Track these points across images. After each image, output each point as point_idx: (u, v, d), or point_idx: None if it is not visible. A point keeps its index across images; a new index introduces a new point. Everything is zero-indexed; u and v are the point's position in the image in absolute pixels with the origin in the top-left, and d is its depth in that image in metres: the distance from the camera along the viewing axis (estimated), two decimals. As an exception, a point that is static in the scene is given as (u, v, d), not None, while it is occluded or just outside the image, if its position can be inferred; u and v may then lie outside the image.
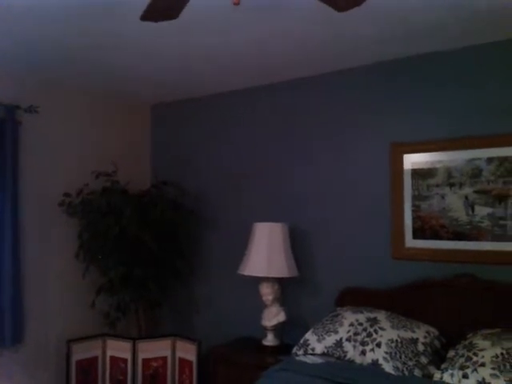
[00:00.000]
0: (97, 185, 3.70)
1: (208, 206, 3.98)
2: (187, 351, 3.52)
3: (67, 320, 3.68)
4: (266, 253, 3.19)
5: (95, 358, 3.64)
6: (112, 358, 3.64)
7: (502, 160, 2.79)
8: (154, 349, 3.60)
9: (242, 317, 3.67)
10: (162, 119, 4.37)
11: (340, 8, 1.91)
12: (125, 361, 3.58)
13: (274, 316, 3.23)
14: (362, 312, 2.83)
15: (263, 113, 3.76)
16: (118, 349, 3.62)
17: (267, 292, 3.22)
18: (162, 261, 3.70)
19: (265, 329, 3.27)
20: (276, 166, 3.67)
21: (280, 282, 3.29)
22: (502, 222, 2.78)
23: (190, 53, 3.07)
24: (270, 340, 3.25)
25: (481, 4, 2.40)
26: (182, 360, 3.58)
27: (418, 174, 3.07)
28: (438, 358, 2.57)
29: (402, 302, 2.96)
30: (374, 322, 2.72)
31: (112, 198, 3.59)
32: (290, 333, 3.30)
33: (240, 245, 3.48)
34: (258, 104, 3.79)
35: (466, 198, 2.89)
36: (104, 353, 3.65)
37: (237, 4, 1.88)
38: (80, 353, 3.57)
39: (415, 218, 3.06)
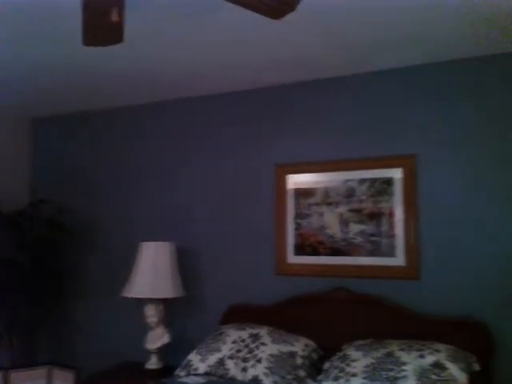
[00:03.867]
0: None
1: (93, 226, 3.82)
2: (65, 380, 3.32)
3: None
4: (151, 273, 3.12)
5: (-40, 393, 3.30)
6: (-20, 391, 3.32)
7: (373, 181, 3.02)
8: (28, 378, 3.35)
9: (126, 341, 3.54)
10: (44, 133, 4.15)
11: (276, 16, 1.83)
12: (-5, 394, 3.29)
13: (158, 338, 3.15)
14: (244, 329, 2.87)
15: (148, 131, 3.74)
16: (-13, 381, 3.31)
17: (152, 314, 3.15)
18: (39, 284, 3.47)
19: (149, 352, 3.18)
20: (163, 185, 3.64)
21: (166, 302, 3.23)
22: (373, 239, 2.98)
23: (74, 65, 2.97)
24: (153, 363, 3.16)
25: (362, 37, 2.60)
26: (59, 390, 3.36)
27: (300, 193, 3.21)
28: (316, 370, 2.66)
29: (284, 316, 3.04)
30: (256, 338, 2.77)
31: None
32: (176, 355, 3.23)
33: (125, 265, 3.36)
34: (144, 122, 3.76)
35: (342, 216, 3.07)
36: (-30, 387, 3.32)
37: (118, 25, 1.86)
38: None
39: (297, 236, 3.19)
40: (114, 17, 1.75)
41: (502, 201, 2.72)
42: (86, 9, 1.75)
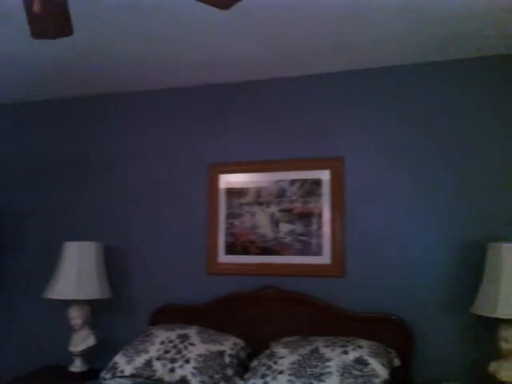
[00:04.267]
0: None
1: (15, 224, 3.63)
2: (-18, 386, 3.14)
3: None
4: (75, 274, 3.02)
5: None
6: None
7: (303, 182, 3.08)
8: None
9: (49, 343, 3.40)
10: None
11: (224, 5, 1.75)
12: None
13: (82, 340, 3.06)
14: (173, 329, 2.84)
15: (75, 126, 3.61)
16: None
17: (76, 316, 3.05)
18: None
19: (73, 355, 3.08)
20: (91, 182, 3.53)
21: (92, 304, 3.14)
22: (302, 238, 3.05)
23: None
24: (77, 366, 3.06)
25: (296, 42, 2.64)
26: (-25, 397, 3.18)
27: (232, 193, 3.22)
28: (244, 368, 2.69)
29: (215, 315, 3.05)
30: (184, 338, 2.75)
31: None
32: (102, 357, 3.15)
33: (49, 265, 3.23)
34: (71, 117, 3.63)
35: (273, 215, 3.11)
36: None
37: (38, 12, 1.78)
38: None
39: (228, 235, 3.19)
40: (36, 7, 1.66)
41: (424, 204, 2.86)
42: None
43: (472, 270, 2.66)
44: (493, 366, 2.45)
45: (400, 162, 2.92)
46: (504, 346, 2.38)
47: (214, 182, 3.26)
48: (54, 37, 1.79)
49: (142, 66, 3.01)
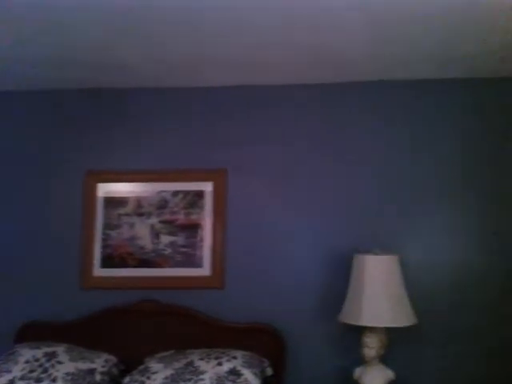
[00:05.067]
0: None
1: None
2: None
3: None
4: None
5: None
6: None
7: (185, 193, 3.06)
8: None
9: None
10: None
11: None
12: None
13: None
14: (39, 347, 2.65)
15: None
16: None
17: None
18: None
19: None
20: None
21: None
22: (183, 250, 3.02)
23: None
24: None
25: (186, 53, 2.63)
26: None
27: (111, 202, 3.11)
28: (116, 385, 2.59)
29: (89, 332, 2.91)
30: (51, 356, 2.58)
31: None
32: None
33: None
34: None
35: (153, 227, 3.05)
36: None
37: None
38: None
39: (105, 247, 3.07)
40: None
41: (300, 215, 2.98)
42: None
43: (342, 279, 2.80)
44: (357, 372, 2.61)
45: (283, 173, 3.02)
46: (367, 352, 2.54)
47: (91, 191, 3.12)
48: None
49: (14, 64, 2.82)
